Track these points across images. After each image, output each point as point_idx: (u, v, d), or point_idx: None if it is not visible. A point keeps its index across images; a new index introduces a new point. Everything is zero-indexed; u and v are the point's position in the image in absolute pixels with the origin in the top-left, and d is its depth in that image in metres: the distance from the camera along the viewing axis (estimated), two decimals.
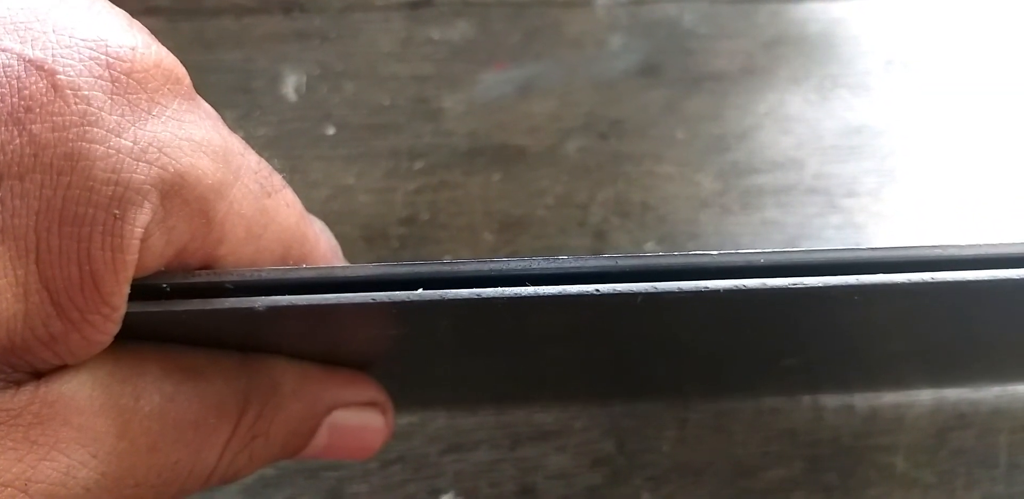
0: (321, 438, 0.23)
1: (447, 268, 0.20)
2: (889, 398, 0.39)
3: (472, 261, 0.20)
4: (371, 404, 0.25)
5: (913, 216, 0.45)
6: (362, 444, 0.25)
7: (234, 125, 0.44)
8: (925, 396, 0.39)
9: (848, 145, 0.48)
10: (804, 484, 0.36)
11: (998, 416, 0.39)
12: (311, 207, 0.43)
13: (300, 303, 0.19)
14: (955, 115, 0.49)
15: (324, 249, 0.23)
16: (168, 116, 0.18)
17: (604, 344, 0.28)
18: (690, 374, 0.35)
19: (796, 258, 0.20)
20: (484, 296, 0.19)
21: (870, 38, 0.53)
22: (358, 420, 0.24)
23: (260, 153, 0.44)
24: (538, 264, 0.20)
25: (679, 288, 0.20)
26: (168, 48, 0.47)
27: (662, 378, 0.35)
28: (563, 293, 0.19)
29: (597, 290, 0.20)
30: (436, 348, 0.27)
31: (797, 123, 0.48)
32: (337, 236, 0.42)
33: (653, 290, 0.20)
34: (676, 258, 0.20)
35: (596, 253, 0.42)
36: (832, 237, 0.44)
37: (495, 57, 0.50)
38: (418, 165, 0.44)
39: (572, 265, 0.20)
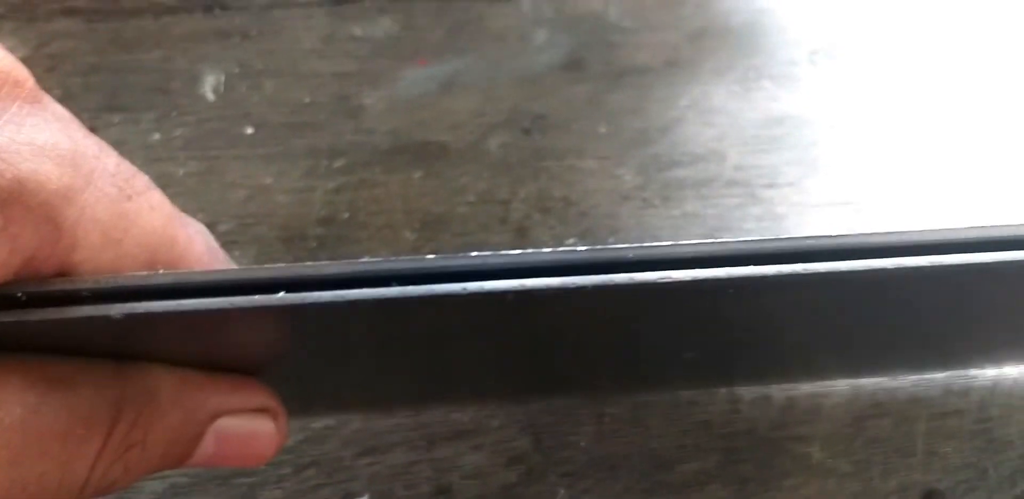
0: (207, 446, 0.23)
1: (310, 271, 0.19)
2: (806, 388, 0.38)
3: (339, 263, 0.19)
4: (260, 410, 0.24)
5: (834, 206, 0.45)
6: (252, 451, 0.24)
7: (152, 126, 0.44)
8: (842, 385, 0.39)
9: (770, 136, 0.47)
10: (720, 476, 0.36)
11: (915, 404, 0.39)
12: (228, 209, 0.42)
13: (157, 310, 0.18)
14: (878, 105, 0.49)
15: (199, 252, 0.22)
16: (6, 120, 0.18)
17: (507, 341, 0.27)
18: (602, 369, 0.34)
19: (665, 252, 0.20)
20: (347, 298, 0.18)
21: (795, 29, 0.53)
22: (246, 427, 0.23)
23: (177, 154, 0.44)
24: (405, 264, 0.19)
25: (547, 285, 0.19)
26: (86, 49, 0.46)
27: (576, 373, 0.34)
28: (430, 293, 0.19)
29: (464, 289, 0.19)
30: (333, 351, 0.26)
31: (719, 115, 0.48)
32: (254, 238, 0.41)
33: (521, 288, 0.19)
34: (546, 255, 0.20)
35: (517, 249, 0.41)
36: (752, 228, 0.43)
37: (418, 53, 0.49)
38: (338, 164, 0.44)
39: (440, 264, 0.19)
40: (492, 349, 0.28)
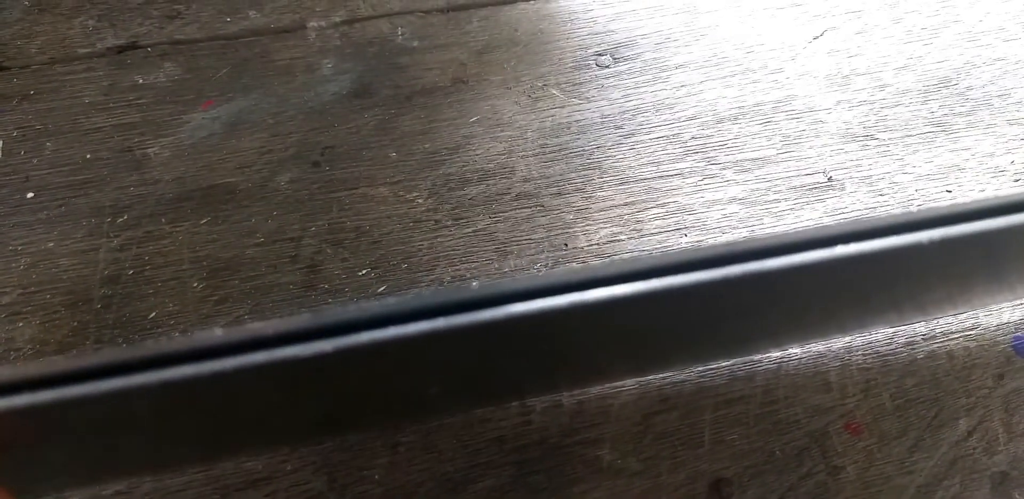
0: None
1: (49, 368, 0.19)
2: (595, 391, 0.39)
3: (85, 355, 0.20)
4: None
5: (618, 207, 0.46)
6: None
7: None
8: (630, 384, 0.40)
9: (557, 144, 0.48)
10: (513, 490, 0.36)
11: (701, 394, 0.40)
12: (11, 279, 0.41)
13: None
14: (662, 104, 0.50)
15: None
16: None
17: (290, 395, 0.27)
18: (389, 403, 0.34)
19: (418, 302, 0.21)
20: (82, 395, 0.19)
21: (579, 34, 0.53)
22: None
23: None
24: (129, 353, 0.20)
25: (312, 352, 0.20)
26: None
27: (365, 410, 0.35)
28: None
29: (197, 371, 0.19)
30: (105, 428, 0.26)
31: (508, 128, 0.48)
32: (38, 306, 0.40)
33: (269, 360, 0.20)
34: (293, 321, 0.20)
35: (309, 287, 0.42)
36: (542, 238, 0.44)
37: (202, 95, 0.48)
38: (121, 219, 0.43)
39: (159, 349, 0.20)
40: (277, 403, 0.28)
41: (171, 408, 0.25)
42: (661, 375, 0.40)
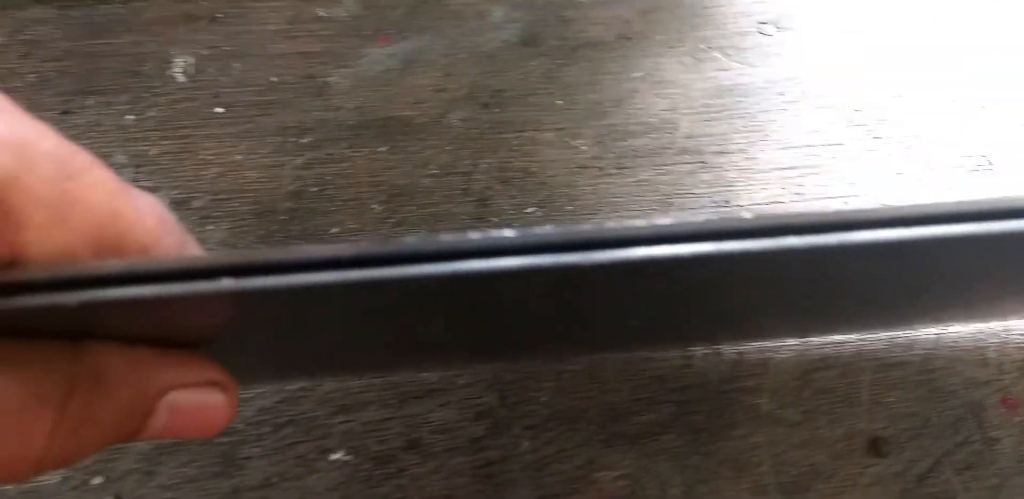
0: (160, 419, 0.23)
1: (264, 256, 0.19)
2: (755, 345, 0.40)
3: (281, 249, 0.19)
4: (210, 383, 0.24)
5: (781, 170, 0.46)
6: (204, 423, 0.24)
7: (125, 108, 0.44)
8: (790, 342, 0.40)
9: (720, 105, 0.48)
10: (673, 427, 0.37)
11: (861, 356, 0.40)
12: (201, 185, 0.42)
13: (109, 298, 0.18)
14: (825, 74, 0.50)
15: (149, 225, 0.22)
16: None
17: (471, 316, 0.28)
18: (560, 336, 0.35)
19: (625, 232, 0.20)
20: (294, 284, 0.18)
21: (744, 2, 0.54)
22: (196, 400, 0.24)
23: (150, 134, 0.44)
24: (362, 249, 0.19)
25: (516, 266, 0.19)
26: (59, 35, 0.46)
27: (536, 341, 0.35)
28: (380, 277, 0.19)
29: (424, 271, 0.19)
30: (296, 328, 0.26)
31: (671, 86, 0.49)
32: (228, 212, 0.42)
33: (488, 269, 0.19)
34: (510, 238, 0.20)
35: (480, 219, 0.42)
36: (704, 193, 0.45)
37: (380, 32, 0.50)
38: (305, 140, 0.44)
39: (401, 249, 0.20)
40: (457, 323, 0.29)
41: (358, 314, 0.25)
42: (821, 338, 0.40)
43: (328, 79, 0.47)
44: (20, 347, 0.20)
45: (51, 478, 0.34)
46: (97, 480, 0.34)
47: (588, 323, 0.31)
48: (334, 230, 0.41)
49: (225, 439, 0.35)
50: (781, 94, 0.49)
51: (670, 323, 0.33)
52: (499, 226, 0.42)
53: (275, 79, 0.46)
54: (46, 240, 0.19)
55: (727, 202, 0.44)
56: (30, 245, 0.19)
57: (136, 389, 0.22)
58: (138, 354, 0.23)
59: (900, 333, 0.40)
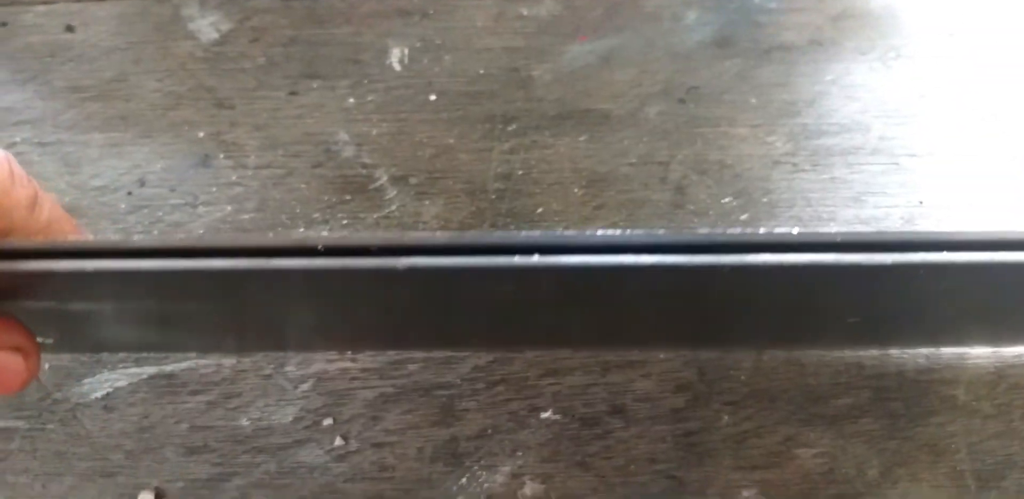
0: None
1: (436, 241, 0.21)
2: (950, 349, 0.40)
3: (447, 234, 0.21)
4: (14, 349, 0.26)
5: (975, 178, 0.46)
6: (1, 382, 0.26)
7: (347, 92, 0.47)
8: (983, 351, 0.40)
9: (910, 110, 0.49)
10: (871, 411, 0.38)
11: None
12: (418, 164, 0.45)
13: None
14: (1015, 85, 0.50)
15: None
16: None
17: (679, 305, 0.29)
18: (767, 328, 0.35)
19: (863, 238, 0.21)
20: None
21: (933, 12, 0.54)
22: None
23: (370, 116, 0.47)
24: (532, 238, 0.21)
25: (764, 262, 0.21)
26: (284, 24, 0.50)
27: (739, 332, 0.36)
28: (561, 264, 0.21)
29: (661, 262, 0.21)
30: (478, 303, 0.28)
31: (862, 90, 0.50)
32: (442, 190, 0.44)
33: (739, 263, 0.21)
34: (751, 236, 0.21)
35: (677, 206, 0.44)
36: (897, 193, 0.45)
37: (579, 30, 0.52)
38: (511, 128, 0.47)
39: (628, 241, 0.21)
40: (665, 310, 0.30)
41: (576, 295, 0.26)
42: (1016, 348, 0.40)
43: (531, 73, 0.49)
44: None
45: (285, 417, 0.37)
46: (327, 421, 0.37)
47: (806, 317, 0.32)
48: (539, 210, 0.43)
49: (444, 392, 0.37)
50: (964, 103, 0.49)
51: (879, 324, 0.34)
52: (695, 214, 0.43)
53: (482, 71, 0.49)
54: None
55: (920, 203, 0.45)
56: None
57: None
58: None
59: None
